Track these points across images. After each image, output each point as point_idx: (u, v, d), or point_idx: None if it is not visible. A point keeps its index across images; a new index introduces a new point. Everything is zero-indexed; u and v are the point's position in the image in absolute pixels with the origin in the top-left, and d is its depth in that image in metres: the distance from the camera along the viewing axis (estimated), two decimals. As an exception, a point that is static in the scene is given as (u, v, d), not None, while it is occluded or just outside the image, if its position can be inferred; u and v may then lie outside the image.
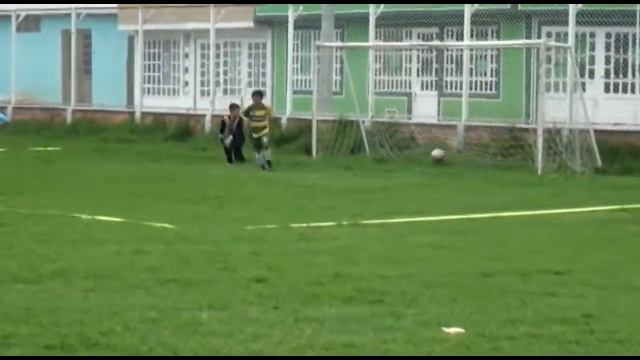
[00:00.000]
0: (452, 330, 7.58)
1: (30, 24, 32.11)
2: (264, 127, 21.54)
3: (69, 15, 29.84)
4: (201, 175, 21.10)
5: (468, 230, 14.45)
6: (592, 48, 24.16)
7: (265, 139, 21.54)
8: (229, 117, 22.68)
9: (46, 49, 31.91)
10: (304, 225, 14.39)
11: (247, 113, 22.03)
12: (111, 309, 8.32)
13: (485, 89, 25.79)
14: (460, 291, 9.52)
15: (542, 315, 8.28)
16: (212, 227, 14.06)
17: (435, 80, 26.57)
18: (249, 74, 30.06)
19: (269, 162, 21.52)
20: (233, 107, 22.94)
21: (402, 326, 7.79)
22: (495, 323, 7.85)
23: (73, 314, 7.97)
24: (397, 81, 27.07)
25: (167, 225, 14.18)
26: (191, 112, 28.72)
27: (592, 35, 24.00)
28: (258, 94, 22.47)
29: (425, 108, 26.27)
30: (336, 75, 26.85)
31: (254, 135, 21.64)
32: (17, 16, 30.75)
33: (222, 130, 22.72)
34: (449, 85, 26.24)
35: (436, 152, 22.44)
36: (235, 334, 7.41)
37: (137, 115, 28.48)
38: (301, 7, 26.07)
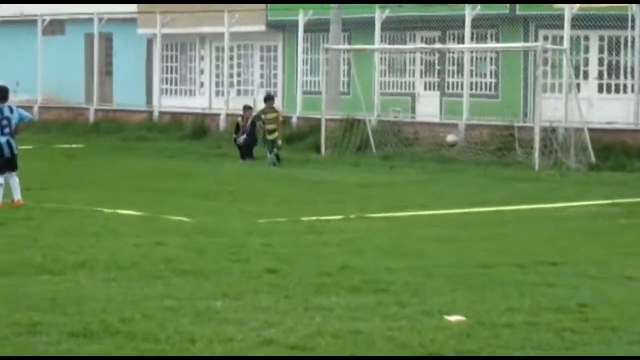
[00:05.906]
0: (453, 318, 7.90)
1: (55, 27, 33.12)
2: (276, 130, 22.48)
3: (91, 19, 30.98)
4: (216, 171, 21.65)
5: (469, 223, 14.91)
6: (587, 50, 24.93)
7: (279, 142, 22.43)
8: (243, 118, 23.51)
9: (70, 52, 33.05)
10: (313, 218, 14.84)
11: (258, 117, 22.87)
12: (131, 298, 8.71)
13: (485, 90, 26.47)
14: (462, 281, 9.87)
15: (538, 304, 8.57)
16: (226, 220, 14.54)
17: (438, 81, 27.27)
18: (261, 75, 31.01)
19: (277, 156, 22.32)
20: (246, 108, 23.82)
21: (406, 314, 8.14)
22: (494, 311, 8.14)
23: (95, 303, 8.36)
24: (401, 82, 27.88)
25: (184, 219, 14.68)
26: (206, 111, 29.65)
27: (587, 38, 24.70)
28: (270, 99, 23.31)
29: (428, 107, 26.98)
30: (344, 76, 27.56)
31: (269, 137, 22.39)
32: (43, 20, 31.73)
33: (236, 131, 23.52)
34: (450, 86, 26.94)
35: (450, 138, 23.08)
36: (249, 321, 7.74)
37: (156, 114, 29.45)
38: (311, 11, 26.76)
